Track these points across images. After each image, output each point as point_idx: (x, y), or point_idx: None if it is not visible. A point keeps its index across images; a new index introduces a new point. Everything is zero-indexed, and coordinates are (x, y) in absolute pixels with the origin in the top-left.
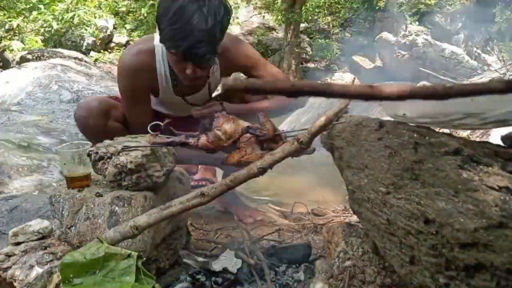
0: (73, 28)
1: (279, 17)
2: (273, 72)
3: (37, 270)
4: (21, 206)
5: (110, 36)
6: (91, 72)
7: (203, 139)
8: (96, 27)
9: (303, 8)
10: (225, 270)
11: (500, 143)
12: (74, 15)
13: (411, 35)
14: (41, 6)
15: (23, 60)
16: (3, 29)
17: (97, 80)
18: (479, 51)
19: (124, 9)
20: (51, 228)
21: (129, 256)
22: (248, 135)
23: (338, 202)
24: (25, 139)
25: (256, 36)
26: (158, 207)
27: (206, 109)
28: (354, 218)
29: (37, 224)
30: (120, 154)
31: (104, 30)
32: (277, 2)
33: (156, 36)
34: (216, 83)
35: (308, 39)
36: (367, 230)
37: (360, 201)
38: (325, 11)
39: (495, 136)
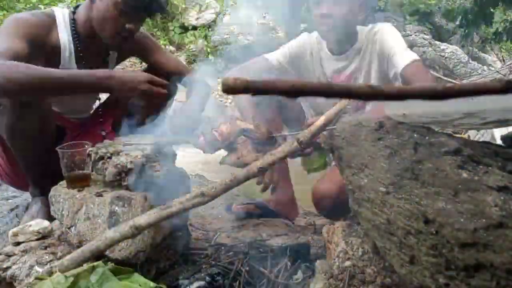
0: None
1: (279, 17)
2: (175, 58)
3: (37, 270)
4: (21, 206)
5: None
6: None
7: (201, 139)
8: None
9: (303, 8)
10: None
11: (500, 142)
12: None
13: (411, 35)
14: (41, 6)
15: None
16: None
17: None
18: (478, 51)
19: None
20: (51, 228)
21: (93, 267)
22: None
23: None
24: None
25: (256, 36)
26: (158, 207)
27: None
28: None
29: (37, 224)
30: (120, 154)
31: None
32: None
33: (54, 8)
34: (113, 63)
35: None
36: (367, 230)
37: (360, 201)
38: None
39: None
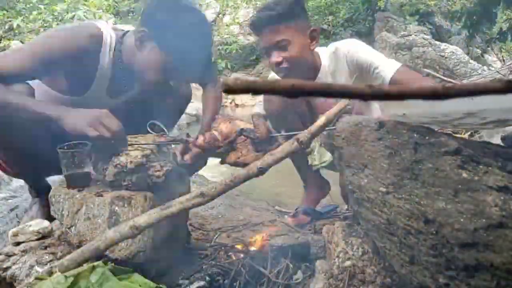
0: None
1: None
2: None
3: (37, 270)
4: (21, 206)
5: None
6: None
7: (200, 139)
8: None
9: None
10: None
11: (500, 142)
12: (74, 15)
13: (411, 35)
14: (41, 6)
15: None
16: (3, 29)
17: None
18: (478, 50)
19: (124, 9)
20: (51, 228)
21: (93, 267)
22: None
23: (338, 202)
24: None
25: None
26: (158, 207)
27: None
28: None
29: (37, 224)
30: (120, 154)
31: None
32: None
33: (104, 25)
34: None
35: None
36: (367, 230)
37: (360, 201)
38: (325, 11)
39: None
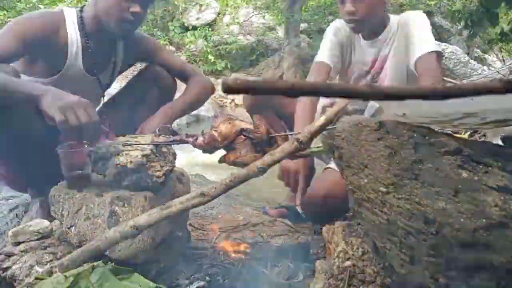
0: None
1: (279, 17)
2: (180, 59)
3: (37, 270)
4: (21, 206)
5: None
6: None
7: (200, 139)
8: None
9: (303, 8)
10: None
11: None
12: None
13: None
14: (41, 6)
15: None
16: None
17: None
18: (478, 50)
19: None
20: (51, 228)
21: (93, 267)
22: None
23: None
24: None
25: (256, 36)
26: (158, 207)
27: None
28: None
29: (37, 224)
30: (120, 154)
31: None
32: (277, 2)
33: (65, 7)
34: (119, 64)
35: (308, 39)
36: (367, 230)
37: (360, 201)
38: (325, 11)
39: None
